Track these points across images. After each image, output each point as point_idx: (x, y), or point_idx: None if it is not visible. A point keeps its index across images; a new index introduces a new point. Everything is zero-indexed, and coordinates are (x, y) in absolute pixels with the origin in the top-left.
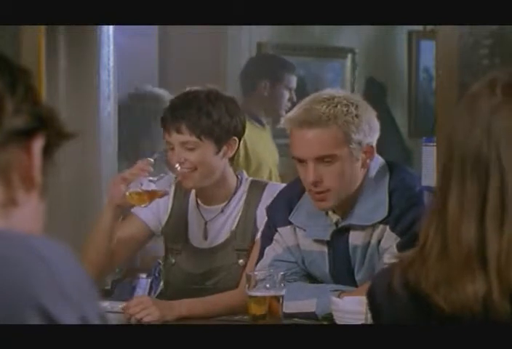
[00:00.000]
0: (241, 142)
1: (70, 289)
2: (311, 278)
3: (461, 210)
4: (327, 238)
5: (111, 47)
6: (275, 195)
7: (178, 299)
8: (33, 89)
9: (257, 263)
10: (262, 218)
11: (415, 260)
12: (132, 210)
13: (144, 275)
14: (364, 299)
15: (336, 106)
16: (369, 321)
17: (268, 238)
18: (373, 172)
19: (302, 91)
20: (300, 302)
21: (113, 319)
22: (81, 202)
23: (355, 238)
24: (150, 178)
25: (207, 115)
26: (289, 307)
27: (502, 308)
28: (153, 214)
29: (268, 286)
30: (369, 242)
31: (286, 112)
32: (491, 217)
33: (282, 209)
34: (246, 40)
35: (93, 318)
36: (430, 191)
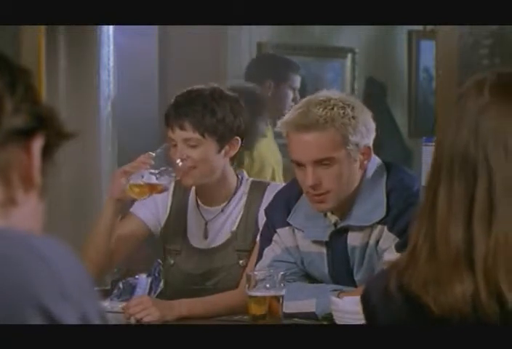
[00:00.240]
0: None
1: (70, 287)
2: (310, 279)
3: (449, 211)
4: (326, 239)
5: (111, 47)
6: None
7: (178, 299)
8: (33, 89)
9: (256, 264)
10: (263, 219)
11: (409, 263)
12: (131, 209)
13: (144, 275)
14: None
15: (332, 108)
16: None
17: (266, 238)
18: (370, 173)
19: (302, 91)
20: (300, 302)
21: (113, 319)
22: (81, 202)
23: (353, 238)
24: (152, 171)
25: (212, 112)
26: (289, 307)
27: (490, 309)
28: (152, 214)
29: (268, 286)
30: (367, 242)
31: None
32: (478, 217)
33: (280, 210)
34: (246, 40)
35: (93, 317)
36: None
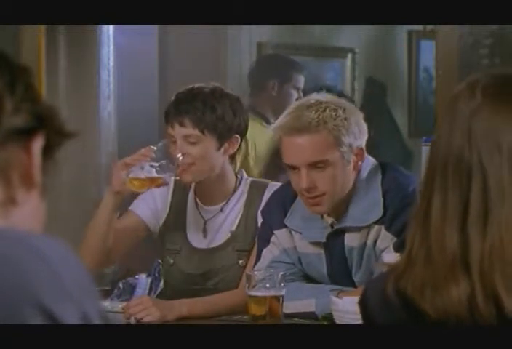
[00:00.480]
0: (251, 142)
1: (70, 287)
2: (309, 279)
3: (443, 215)
4: (323, 240)
5: (111, 47)
6: None
7: (178, 299)
8: (33, 88)
9: (254, 265)
10: None
11: (406, 267)
12: (130, 207)
13: (144, 275)
14: None
15: (324, 110)
16: None
17: (264, 240)
18: (365, 173)
19: (302, 91)
20: (299, 302)
21: (113, 319)
22: (81, 202)
23: (351, 239)
24: (152, 163)
25: (212, 110)
26: (288, 307)
27: (486, 312)
28: (152, 212)
29: (268, 286)
30: (365, 243)
31: None
32: (473, 220)
33: (277, 212)
34: (246, 40)
35: (94, 317)
36: None
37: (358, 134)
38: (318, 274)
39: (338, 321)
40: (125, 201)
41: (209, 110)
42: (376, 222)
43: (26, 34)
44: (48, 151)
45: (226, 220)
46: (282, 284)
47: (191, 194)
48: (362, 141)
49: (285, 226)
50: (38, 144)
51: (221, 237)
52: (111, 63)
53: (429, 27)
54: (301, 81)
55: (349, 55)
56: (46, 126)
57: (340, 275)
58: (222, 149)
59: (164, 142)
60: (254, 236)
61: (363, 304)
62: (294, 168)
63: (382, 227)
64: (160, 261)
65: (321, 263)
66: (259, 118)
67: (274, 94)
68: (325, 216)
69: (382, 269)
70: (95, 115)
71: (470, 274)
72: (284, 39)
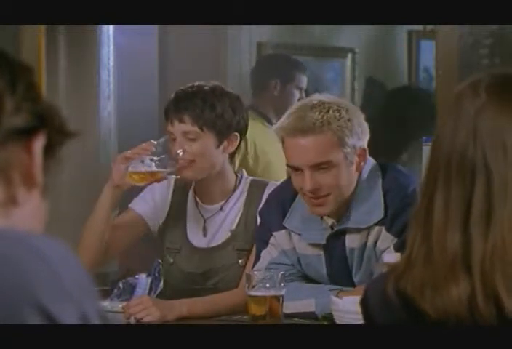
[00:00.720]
0: (251, 141)
1: (70, 288)
2: (308, 280)
3: (446, 215)
4: (323, 242)
5: (111, 47)
6: None
7: (178, 298)
8: (34, 87)
9: (253, 266)
10: None
11: (406, 267)
12: (130, 205)
13: (144, 275)
14: None
15: (328, 111)
16: None
17: (262, 241)
18: (365, 174)
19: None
20: (299, 302)
21: (113, 319)
22: (81, 202)
23: (351, 240)
24: (152, 157)
25: (211, 107)
26: (288, 307)
27: (486, 312)
28: (151, 210)
29: (267, 285)
30: (365, 244)
31: None
32: (476, 220)
33: (276, 213)
34: (246, 40)
35: (93, 317)
36: None
37: (361, 134)
38: (317, 275)
39: (338, 321)
40: (125, 200)
41: (209, 108)
42: (376, 223)
43: (26, 34)
44: (49, 151)
45: (226, 219)
46: (282, 284)
47: (191, 193)
48: (364, 142)
49: (284, 227)
50: (39, 143)
51: (221, 236)
52: (111, 63)
53: (429, 27)
54: (304, 81)
55: (349, 55)
56: (47, 125)
57: (340, 275)
58: (222, 147)
59: (165, 137)
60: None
61: (364, 304)
62: (296, 169)
63: (383, 228)
64: (160, 261)
65: (320, 264)
66: (260, 118)
67: (276, 94)
68: (325, 217)
69: (382, 269)
70: (95, 115)
71: (470, 274)
72: (284, 39)
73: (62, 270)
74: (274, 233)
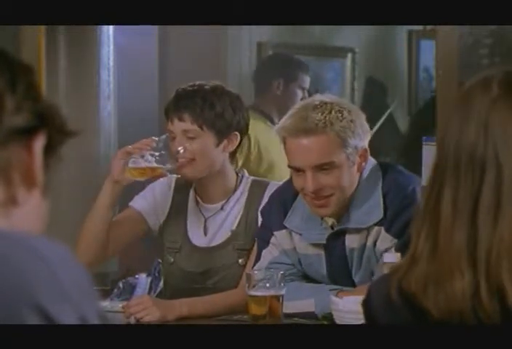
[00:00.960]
0: (254, 141)
1: (69, 288)
2: (308, 279)
3: (454, 211)
4: (323, 241)
5: (111, 47)
6: None
7: (178, 298)
8: (34, 86)
9: (254, 265)
10: None
11: (410, 266)
12: (130, 203)
13: (144, 275)
14: None
15: (330, 112)
16: None
17: (263, 240)
18: (365, 174)
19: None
20: (299, 302)
21: (113, 319)
22: (81, 201)
23: (351, 240)
24: (152, 153)
25: (211, 106)
26: (288, 307)
27: (489, 307)
28: (152, 209)
29: (267, 285)
30: (365, 244)
31: None
32: (484, 214)
33: (276, 213)
34: (246, 40)
35: (92, 318)
36: None
37: (363, 135)
38: (317, 275)
39: (338, 321)
40: (126, 199)
41: (208, 107)
42: (376, 224)
43: (26, 34)
44: (49, 150)
45: (227, 219)
46: (282, 284)
47: (192, 192)
48: (366, 142)
49: (285, 227)
50: (39, 143)
51: (221, 235)
52: (111, 63)
53: (429, 27)
54: (307, 81)
55: (349, 55)
56: (48, 124)
57: (340, 275)
58: (222, 146)
59: (167, 134)
60: (255, 235)
61: (366, 305)
62: (298, 170)
63: (382, 228)
64: (160, 260)
65: (320, 264)
66: (263, 118)
67: (279, 94)
68: (325, 217)
69: (382, 269)
70: (95, 115)
71: (476, 267)
72: (284, 39)
73: (62, 271)
74: (275, 233)
